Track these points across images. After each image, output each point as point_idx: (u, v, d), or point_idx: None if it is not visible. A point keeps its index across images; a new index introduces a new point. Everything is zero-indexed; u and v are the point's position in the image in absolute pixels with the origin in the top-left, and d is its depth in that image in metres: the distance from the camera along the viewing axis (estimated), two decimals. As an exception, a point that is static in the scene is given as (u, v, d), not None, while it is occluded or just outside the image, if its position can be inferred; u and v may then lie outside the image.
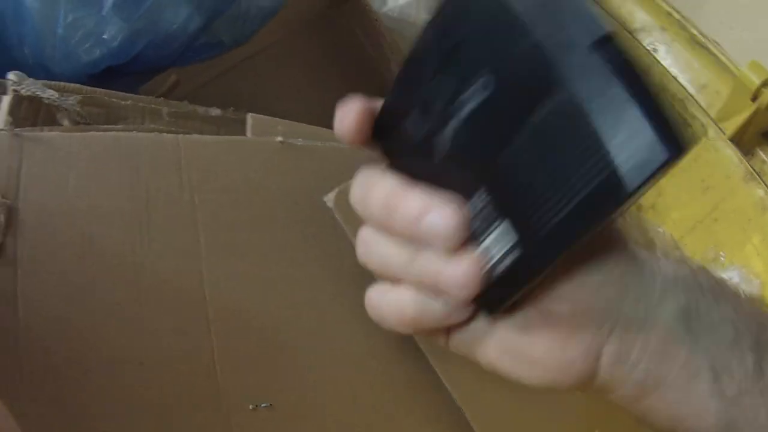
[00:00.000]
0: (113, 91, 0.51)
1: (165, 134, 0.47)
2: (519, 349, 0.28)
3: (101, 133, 0.46)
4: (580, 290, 0.27)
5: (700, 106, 0.73)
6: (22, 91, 0.49)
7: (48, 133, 0.46)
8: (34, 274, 0.39)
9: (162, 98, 0.53)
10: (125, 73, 0.59)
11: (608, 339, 0.27)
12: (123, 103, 0.50)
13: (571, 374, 0.27)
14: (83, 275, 0.39)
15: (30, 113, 0.49)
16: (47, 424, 0.36)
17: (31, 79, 0.51)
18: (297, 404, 0.45)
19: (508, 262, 0.25)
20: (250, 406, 0.41)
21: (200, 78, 0.60)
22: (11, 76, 0.50)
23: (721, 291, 0.28)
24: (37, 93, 0.50)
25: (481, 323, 0.29)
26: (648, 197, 0.73)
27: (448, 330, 0.30)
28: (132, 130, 0.47)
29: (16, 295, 0.39)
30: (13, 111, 0.48)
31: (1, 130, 0.46)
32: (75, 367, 0.38)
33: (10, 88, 0.49)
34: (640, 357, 0.27)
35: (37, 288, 0.39)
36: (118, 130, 0.47)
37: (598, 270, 0.27)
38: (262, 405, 0.41)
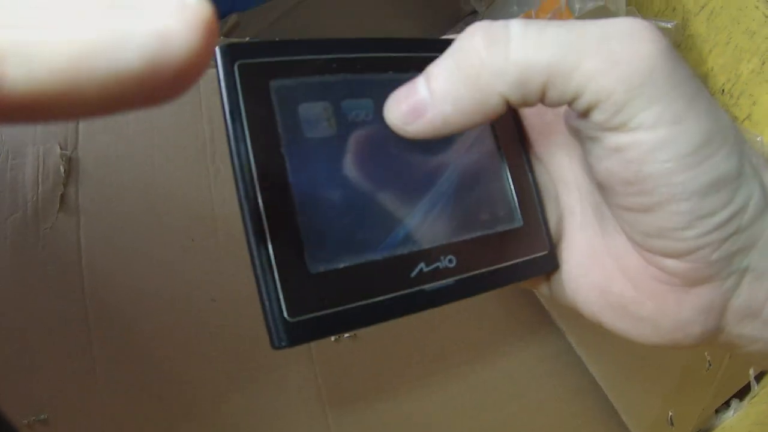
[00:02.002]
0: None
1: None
2: (623, 304, 0.24)
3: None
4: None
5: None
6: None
7: (105, 81, 0.43)
8: (97, 220, 0.37)
9: (222, 37, 0.49)
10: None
11: (734, 294, 0.22)
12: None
13: (688, 334, 0.23)
14: (149, 215, 0.36)
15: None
16: (117, 367, 0.34)
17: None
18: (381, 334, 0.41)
19: None
20: (333, 338, 0.37)
21: (261, 21, 0.57)
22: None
23: None
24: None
25: (576, 268, 0.26)
26: (743, 108, 0.65)
27: (549, 279, 0.27)
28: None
29: (80, 244, 0.36)
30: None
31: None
32: (142, 307, 0.35)
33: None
34: None
35: (101, 234, 0.36)
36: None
37: None
38: (346, 336, 0.37)
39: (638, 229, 0.23)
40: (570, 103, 0.22)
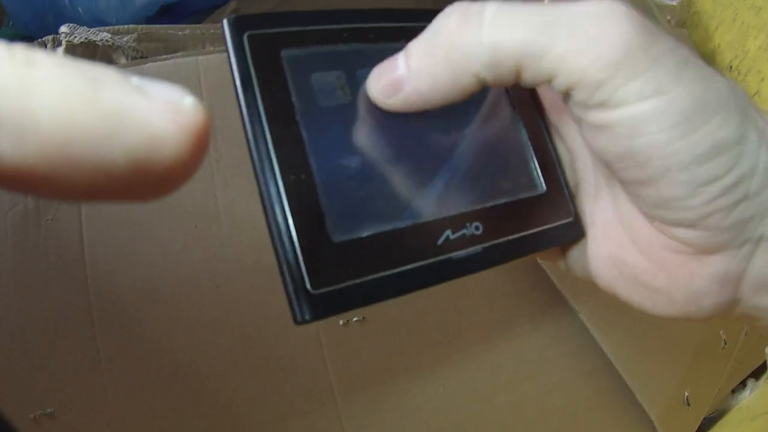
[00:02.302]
0: (169, 24, 0.47)
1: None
2: (636, 276, 0.24)
3: (159, 62, 0.42)
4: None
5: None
6: (75, 40, 0.46)
7: (104, 71, 0.43)
8: (99, 210, 0.36)
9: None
10: (183, 12, 0.55)
11: (749, 263, 0.22)
12: (181, 33, 0.46)
13: (702, 307, 0.23)
14: (151, 203, 0.36)
15: (86, 57, 0.46)
16: (123, 359, 0.34)
17: (83, 26, 0.48)
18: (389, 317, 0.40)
19: None
20: (341, 322, 0.36)
21: (262, 6, 0.56)
22: (63, 29, 0.48)
23: None
24: (90, 38, 0.47)
25: (591, 239, 0.26)
26: (751, 84, 0.64)
27: (564, 251, 0.27)
28: (192, 56, 0.43)
29: (82, 235, 0.36)
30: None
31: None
32: (147, 297, 0.34)
33: (64, 40, 0.47)
34: None
35: (103, 224, 0.36)
36: (177, 58, 0.43)
37: None
38: (354, 319, 0.37)
39: (645, 200, 0.23)
40: (549, 84, 0.22)
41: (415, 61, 0.22)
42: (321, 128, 0.21)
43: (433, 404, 0.40)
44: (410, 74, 0.22)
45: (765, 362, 0.55)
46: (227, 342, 0.36)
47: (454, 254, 0.22)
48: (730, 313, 0.24)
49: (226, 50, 0.20)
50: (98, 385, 0.36)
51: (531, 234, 0.24)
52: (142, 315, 0.35)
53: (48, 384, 0.36)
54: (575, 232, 0.26)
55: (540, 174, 0.25)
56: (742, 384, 0.56)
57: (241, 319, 0.36)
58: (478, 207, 0.23)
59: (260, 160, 0.20)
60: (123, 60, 0.45)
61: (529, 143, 0.26)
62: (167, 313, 0.35)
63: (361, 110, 0.22)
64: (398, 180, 0.22)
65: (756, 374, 0.56)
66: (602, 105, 0.21)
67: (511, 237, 0.24)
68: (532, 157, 0.26)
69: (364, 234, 0.20)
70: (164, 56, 0.44)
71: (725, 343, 0.49)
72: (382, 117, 0.22)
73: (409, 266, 0.21)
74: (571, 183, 0.27)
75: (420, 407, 0.40)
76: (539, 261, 0.44)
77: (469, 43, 0.21)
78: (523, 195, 0.25)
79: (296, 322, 0.19)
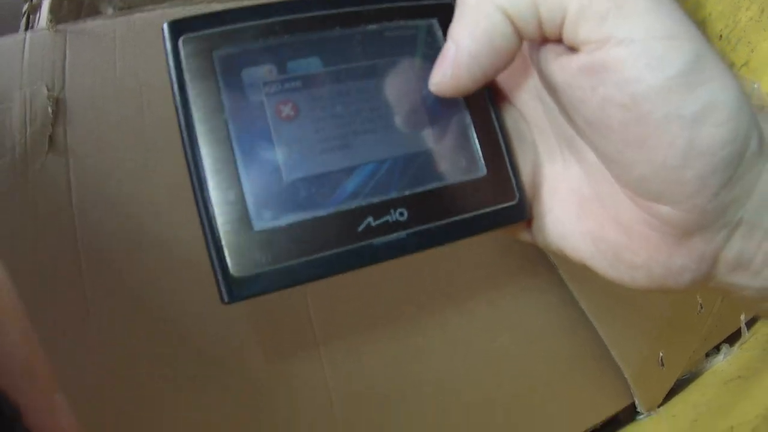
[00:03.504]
0: (157, -25, 0.47)
1: (215, 4, 0.43)
2: (616, 253, 0.24)
3: (146, 13, 0.42)
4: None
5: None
6: (63, -9, 0.46)
7: (91, 23, 0.42)
8: (86, 160, 0.36)
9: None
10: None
11: (726, 245, 0.22)
12: (168, -16, 0.46)
13: (680, 281, 0.23)
14: (137, 154, 0.36)
15: (72, 9, 0.46)
16: (110, 307, 0.34)
17: (71, -22, 0.47)
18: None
19: None
20: None
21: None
22: (50, -21, 0.47)
23: None
24: (78, -11, 0.46)
25: (564, 215, 0.26)
26: (740, 55, 0.65)
27: (529, 225, 0.27)
28: (179, 5, 0.42)
29: (70, 185, 0.36)
30: (53, 9, 0.45)
31: (42, 29, 0.43)
32: (134, 247, 0.35)
33: (51, -9, 0.46)
34: (766, 262, 0.22)
35: (91, 174, 0.36)
36: (165, 8, 0.42)
37: None
38: None
39: (634, 172, 0.22)
40: (561, 25, 0.22)
41: (454, 30, 0.23)
42: (249, 123, 0.22)
43: (413, 354, 0.41)
44: (457, 45, 0.23)
45: (740, 329, 0.56)
46: (211, 293, 0.36)
47: (375, 240, 0.23)
48: (704, 287, 0.24)
49: (164, 54, 0.22)
50: (85, 339, 0.36)
51: (465, 218, 0.24)
52: (130, 264, 0.36)
53: (37, 332, 0.36)
54: (518, 214, 0.26)
55: (481, 155, 0.25)
56: (716, 349, 0.57)
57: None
58: (405, 193, 0.24)
59: (192, 158, 0.22)
60: (110, 11, 0.45)
61: (471, 122, 0.26)
62: (155, 262, 0.36)
63: (291, 102, 0.23)
64: (324, 169, 0.23)
65: (730, 340, 0.57)
66: (609, 39, 0.20)
67: (440, 222, 0.24)
68: (473, 137, 0.25)
69: (284, 223, 0.22)
70: (151, 6, 0.44)
71: (701, 307, 0.50)
72: (312, 107, 0.23)
73: (327, 252, 0.22)
74: (531, 160, 0.27)
75: (400, 357, 0.41)
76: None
77: None
78: (459, 179, 0.25)
79: (222, 302, 0.21)
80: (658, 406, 0.50)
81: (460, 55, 0.23)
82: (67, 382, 0.35)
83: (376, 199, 0.23)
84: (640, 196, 0.23)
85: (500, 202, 0.25)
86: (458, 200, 0.24)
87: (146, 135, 0.37)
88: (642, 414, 0.49)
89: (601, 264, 0.25)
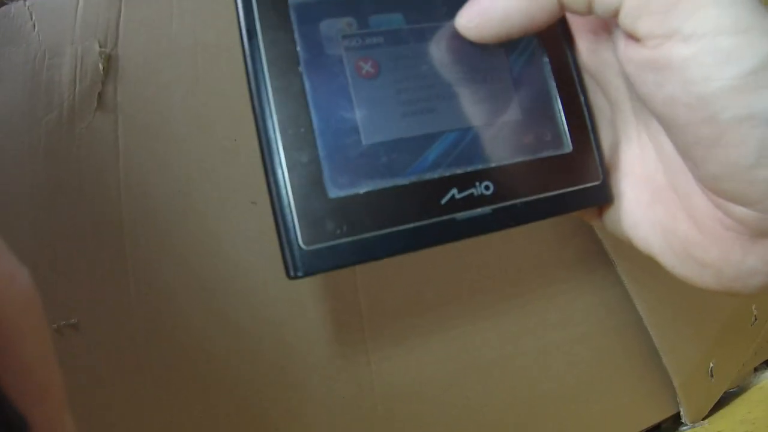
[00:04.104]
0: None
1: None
2: (687, 248, 0.23)
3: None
4: None
5: None
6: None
7: (148, -20, 0.41)
8: (135, 119, 0.35)
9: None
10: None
11: None
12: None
13: (749, 284, 0.22)
14: (189, 114, 0.35)
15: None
16: (151, 273, 0.33)
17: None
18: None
19: None
20: None
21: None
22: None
23: None
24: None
25: (636, 201, 0.24)
26: None
27: (601, 211, 0.26)
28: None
29: (117, 144, 0.35)
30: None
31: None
32: (179, 209, 0.34)
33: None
34: None
35: (139, 133, 0.35)
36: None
37: None
38: None
39: (706, 170, 0.21)
40: (616, 13, 0.20)
41: None
42: (326, 79, 0.21)
43: (460, 343, 0.39)
44: None
45: (791, 344, 0.54)
46: (258, 261, 0.35)
47: (458, 215, 0.21)
48: None
49: (234, 1, 0.20)
50: (125, 299, 0.35)
51: (549, 196, 0.23)
52: (172, 228, 0.35)
53: (73, 295, 0.35)
54: (602, 196, 0.24)
55: (567, 130, 0.24)
56: (766, 363, 0.55)
57: (275, 237, 0.35)
58: (491, 165, 0.22)
59: (261, 113, 0.20)
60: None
61: (557, 95, 0.24)
62: (199, 228, 0.35)
63: (372, 59, 0.21)
64: (404, 134, 0.21)
65: (780, 356, 0.55)
66: (671, 36, 0.19)
67: (526, 199, 0.22)
68: (559, 111, 0.24)
69: (362, 191, 0.20)
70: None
71: (756, 319, 0.48)
72: (391, 65, 0.22)
73: (406, 226, 0.20)
74: (610, 139, 0.25)
75: (446, 344, 0.39)
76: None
77: None
78: (545, 153, 0.23)
79: (288, 276, 0.19)
80: (703, 419, 0.48)
81: (493, 8, 0.22)
82: (101, 342, 0.34)
83: (460, 170, 0.22)
84: (715, 194, 0.21)
85: (585, 182, 0.24)
86: (544, 176, 0.23)
87: (199, 96, 0.36)
88: (686, 425, 0.47)
89: (669, 258, 0.24)
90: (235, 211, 0.35)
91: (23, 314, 0.14)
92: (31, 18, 0.39)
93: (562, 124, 0.24)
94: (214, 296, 0.35)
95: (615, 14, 0.20)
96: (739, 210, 0.21)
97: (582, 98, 0.25)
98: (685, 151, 0.22)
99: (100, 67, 0.37)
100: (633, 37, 0.21)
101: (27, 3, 0.40)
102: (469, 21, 0.22)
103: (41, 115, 0.37)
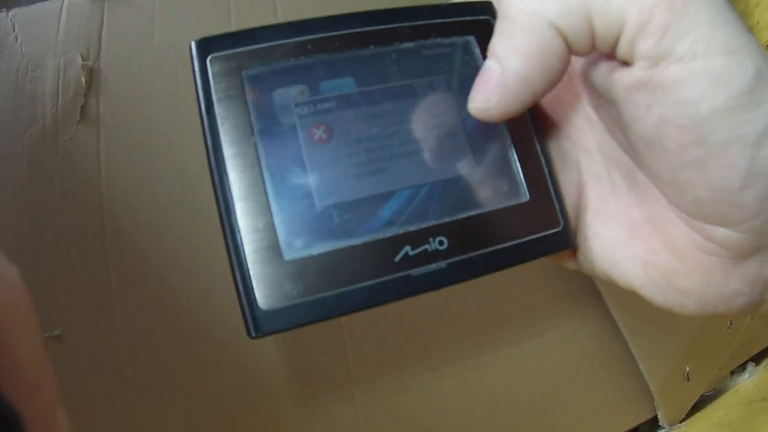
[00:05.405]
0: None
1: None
2: (668, 278, 0.23)
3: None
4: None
5: None
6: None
7: (130, -7, 0.42)
8: (117, 131, 0.36)
9: None
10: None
11: None
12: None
13: (732, 307, 0.22)
14: (171, 127, 0.35)
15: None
16: (132, 284, 0.34)
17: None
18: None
19: None
20: None
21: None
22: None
23: None
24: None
25: (612, 239, 0.24)
26: None
27: (575, 251, 0.25)
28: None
29: (99, 156, 0.35)
30: (93, -23, 0.44)
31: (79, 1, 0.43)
32: (160, 221, 0.34)
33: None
34: None
35: (121, 145, 0.35)
36: (205, -19, 0.42)
37: None
38: None
39: (690, 195, 0.21)
40: (616, 40, 0.20)
41: (499, 47, 0.21)
42: (279, 146, 0.21)
43: (439, 354, 0.40)
44: (501, 62, 0.21)
45: (767, 348, 0.55)
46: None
47: (413, 271, 0.21)
48: (755, 311, 0.23)
49: (192, 73, 0.21)
50: (107, 310, 0.36)
51: (507, 247, 0.23)
52: (155, 239, 0.35)
53: (56, 305, 0.36)
54: (563, 242, 0.24)
55: (523, 180, 0.24)
56: (742, 367, 0.55)
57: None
58: (445, 220, 0.22)
59: (219, 182, 0.20)
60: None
61: (512, 145, 0.24)
62: (180, 238, 0.35)
63: (324, 124, 0.22)
64: (357, 195, 0.22)
65: (757, 359, 0.56)
66: (665, 58, 0.19)
67: (482, 251, 0.22)
68: (515, 160, 0.24)
69: (316, 252, 0.21)
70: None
71: (731, 323, 0.49)
72: (343, 128, 0.22)
73: (361, 284, 0.21)
74: (575, 182, 0.25)
75: (427, 351, 0.40)
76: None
77: None
78: (501, 204, 0.23)
79: (249, 336, 0.20)
80: (680, 422, 0.49)
81: (508, 77, 0.21)
82: (85, 353, 0.35)
83: (413, 227, 0.22)
84: (696, 219, 0.21)
85: (544, 230, 0.24)
86: (500, 228, 0.23)
87: (181, 109, 0.36)
88: (663, 429, 0.48)
89: (650, 290, 0.23)
90: (217, 222, 0.35)
91: (13, 310, 0.15)
92: (14, 30, 0.39)
93: (518, 174, 0.24)
94: (196, 306, 0.35)
95: (616, 42, 0.20)
96: (721, 232, 0.21)
97: (538, 146, 0.25)
98: (667, 177, 0.21)
99: (83, 79, 0.37)
100: (624, 61, 0.21)
101: (9, 15, 0.40)
102: (488, 101, 0.22)
103: (25, 127, 0.38)
